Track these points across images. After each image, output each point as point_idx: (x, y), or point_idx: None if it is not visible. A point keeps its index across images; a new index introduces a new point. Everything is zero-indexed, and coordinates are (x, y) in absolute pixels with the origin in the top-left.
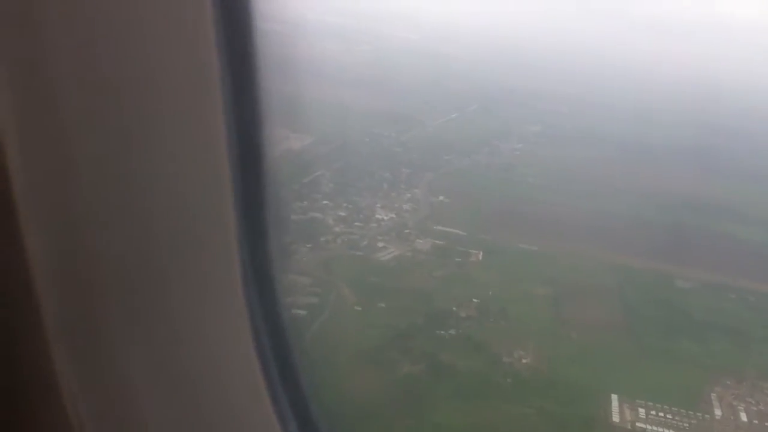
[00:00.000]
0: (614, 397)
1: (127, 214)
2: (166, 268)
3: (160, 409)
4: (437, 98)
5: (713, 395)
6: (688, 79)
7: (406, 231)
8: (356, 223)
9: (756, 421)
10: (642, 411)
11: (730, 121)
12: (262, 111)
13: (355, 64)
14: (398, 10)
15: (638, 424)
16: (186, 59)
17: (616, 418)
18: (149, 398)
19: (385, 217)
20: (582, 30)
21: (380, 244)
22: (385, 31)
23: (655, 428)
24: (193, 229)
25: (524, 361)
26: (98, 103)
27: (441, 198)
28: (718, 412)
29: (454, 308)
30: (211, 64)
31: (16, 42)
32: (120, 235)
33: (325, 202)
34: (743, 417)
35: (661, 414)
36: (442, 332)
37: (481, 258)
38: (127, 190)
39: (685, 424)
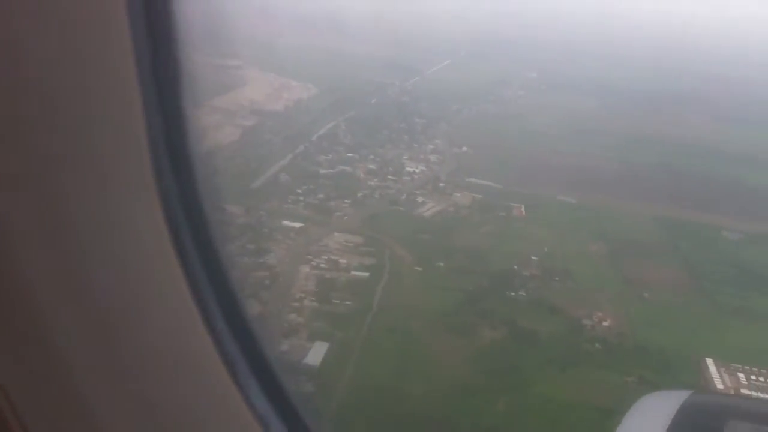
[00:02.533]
0: (710, 362)
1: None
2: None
3: (70, 317)
4: (429, 45)
5: None
6: (685, 29)
7: (441, 185)
8: (389, 177)
9: None
10: (741, 376)
11: (728, 70)
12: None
13: (337, 13)
14: None
15: (742, 390)
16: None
17: (719, 385)
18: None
19: (416, 170)
20: None
21: (419, 199)
22: None
23: (759, 395)
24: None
25: (605, 324)
26: None
27: (464, 149)
28: None
29: (515, 267)
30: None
31: None
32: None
33: (349, 154)
34: None
35: (762, 379)
36: (512, 294)
37: (524, 212)
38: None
39: None
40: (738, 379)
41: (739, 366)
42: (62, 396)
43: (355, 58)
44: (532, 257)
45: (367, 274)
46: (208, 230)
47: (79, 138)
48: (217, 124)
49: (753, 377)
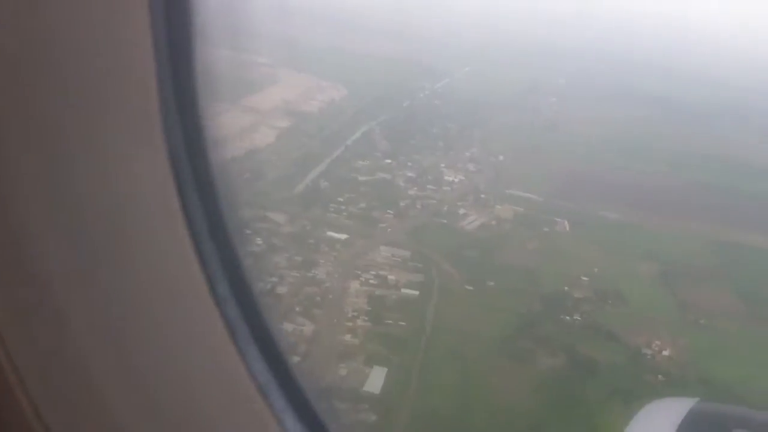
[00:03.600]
0: None
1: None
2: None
3: (89, 319)
4: (455, 47)
5: None
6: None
7: (482, 196)
8: (429, 186)
9: None
10: None
11: (758, 81)
12: (196, 28)
13: (369, 11)
14: None
15: None
16: None
17: None
18: (77, 314)
19: (455, 179)
20: None
21: (461, 211)
22: None
23: None
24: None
25: (665, 353)
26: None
27: (501, 158)
28: None
29: (566, 288)
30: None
31: None
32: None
33: (387, 160)
34: None
35: None
36: (566, 318)
37: (568, 228)
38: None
39: None
40: None
41: None
42: (78, 388)
43: (381, 59)
44: (583, 278)
45: (417, 292)
46: (228, 233)
47: (95, 137)
48: (251, 124)
49: None
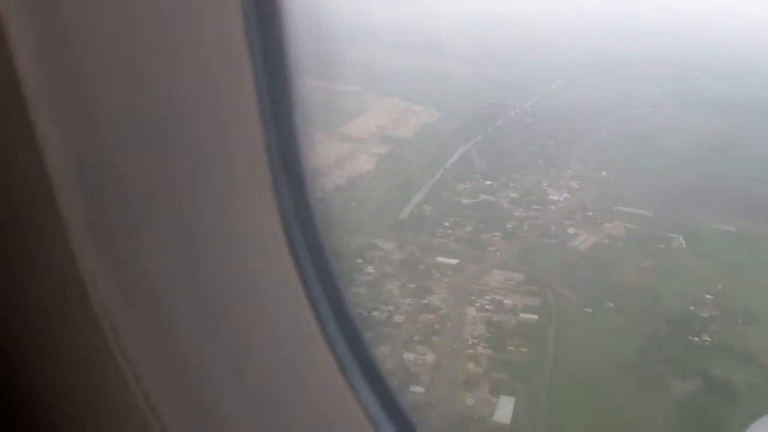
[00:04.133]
0: None
1: (148, 126)
2: (194, 191)
3: (197, 322)
4: (537, 63)
5: None
6: None
7: (589, 214)
8: (534, 206)
9: None
10: None
11: None
12: (292, 62)
13: (436, 33)
14: None
15: None
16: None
17: None
18: (186, 317)
19: (560, 198)
20: None
21: (570, 231)
22: None
23: None
24: (227, 169)
25: None
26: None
27: (604, 174)
28: None
29: (691, 308)
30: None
31: None
32: (143, 149)
33: (488, 182)
34: None
35: None
36: (695, 339)
37: (684, 244)
38: (148, 102)
39: None
40: None
41: None
42: (188, 391)
43: (464, 78)
44: (707, 296)
45: (536, 316)
46: (321, 243)
47: (202, 154)
48: (351, 153)
49: None
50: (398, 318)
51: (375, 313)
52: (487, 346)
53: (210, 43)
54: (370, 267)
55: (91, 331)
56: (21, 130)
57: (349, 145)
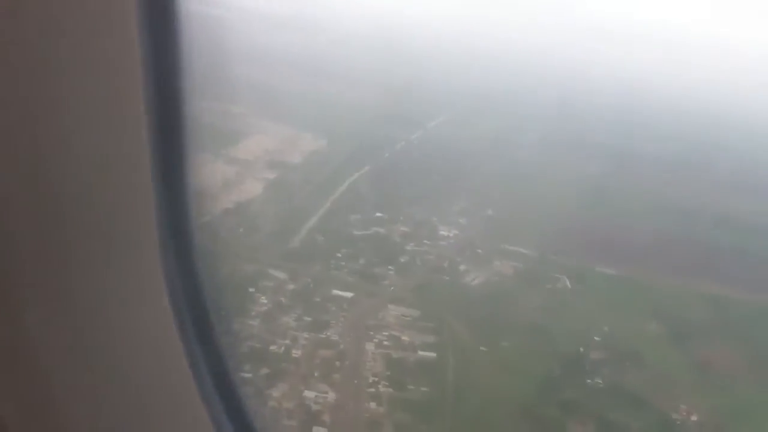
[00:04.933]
0: None
1: (40, 191)
2: (81, 246)
3: (75, 385)
4: (424, 95)
5: None
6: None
7: (479, 251)
8: (425, 241)
9: None
10: None
11: (723, 135)
12: (183, 83)
13: (320, 56)
14: None
15: None
16: (106, 38)
17: None
18: (65, 374)
19: (450, 234)
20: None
21: (462, 267)
22: (334, 19)
23: None
24: (113, 211)
25: (693, 418)
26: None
27: (489, 212)
28: None
29: (581, 349)
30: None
31: None
32: (33, 213)
33: (378, 214)
34: None
35: None
36: (588, 381)
37: (569, 285)
38: (38, 165)
39: None
40: None
41: None
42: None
43: (352, 106)
44: (595, 338)
45: (434, 354)
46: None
47: (88, 162)
48: (238, 176)
49: None
50: (296, 353)
51: (272, 347)
52: (388, 384)
53: (103, 59)
54: (264, 297)
55: None
56: None
57: (236, 168)
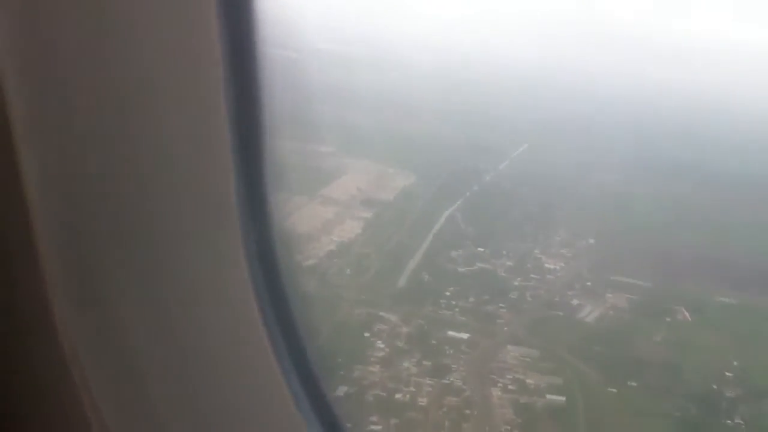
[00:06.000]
0: None
1: (126, 170)
2: (168, 228)
3: (160, 364)
4: (502, 124)
5: None
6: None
7: (588, 284)
8: (532, 275)
9: None
10: None
11: None
12: (263, 108)
13: (397, 92)
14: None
15: None
16: (190, 64)
17: None
18: (149, 354)
19: (556, 267)
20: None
21: (574, 302)
22: (396, 56)
23: None
24: (195, 197)
25: None
26: (99, 59)
27: (591, 241)
28: None
29: (714, 386)
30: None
31: None
32: (120, 187)
33: (479, 249)
34: None
35: None
36: (729, 422)
37: (688, 316)
38: (126, 145)
39: None
40: None
41: None
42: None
43: (434, 140)
44: (726, 373)
45: (563, 398)
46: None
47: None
48: (337, 216)
49: None
50: (422, 401)
51: (397, 395)
52: None
53: (190, 98)
54: (380, 342)
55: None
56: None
57: (332, 209)
